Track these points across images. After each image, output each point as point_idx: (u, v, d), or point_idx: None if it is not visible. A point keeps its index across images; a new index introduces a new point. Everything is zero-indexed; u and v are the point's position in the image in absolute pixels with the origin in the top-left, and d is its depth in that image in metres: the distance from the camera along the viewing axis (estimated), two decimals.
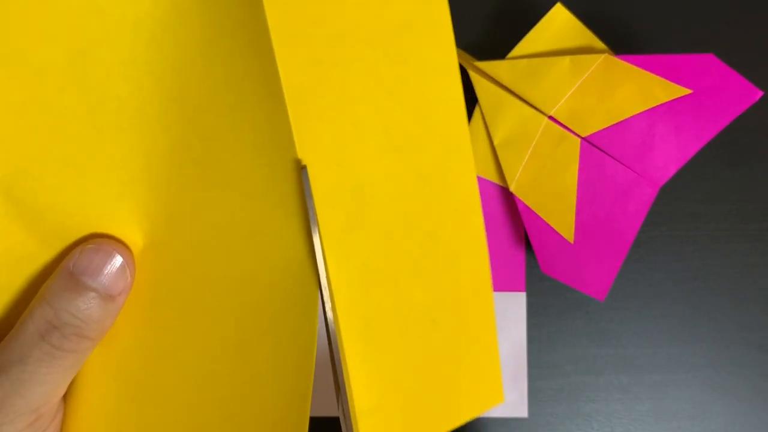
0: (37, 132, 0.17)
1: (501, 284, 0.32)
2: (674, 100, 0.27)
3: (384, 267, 0.19)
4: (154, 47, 0.16)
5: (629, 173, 0.29)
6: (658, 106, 0.28)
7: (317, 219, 0.16)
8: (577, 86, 0.29)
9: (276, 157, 0.16)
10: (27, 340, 0.17)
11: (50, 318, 0.17)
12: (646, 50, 0.33)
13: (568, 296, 0.32)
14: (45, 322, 0.17)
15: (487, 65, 0.30)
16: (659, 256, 0.32)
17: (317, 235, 0.16)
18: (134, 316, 0.19)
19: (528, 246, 0.32)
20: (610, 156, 0.29)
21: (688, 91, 0.27)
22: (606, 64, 0.28)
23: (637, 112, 0.28)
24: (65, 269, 0.17)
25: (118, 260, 0.18)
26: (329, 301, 0.17)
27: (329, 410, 0.31)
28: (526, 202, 0.30)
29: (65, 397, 0.19)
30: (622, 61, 0.27)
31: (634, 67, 0.27)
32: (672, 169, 0.28)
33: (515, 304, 0.32)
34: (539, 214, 0.30)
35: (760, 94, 0.26)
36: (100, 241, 0.18)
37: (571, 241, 0.29)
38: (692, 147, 0.28)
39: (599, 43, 0.30)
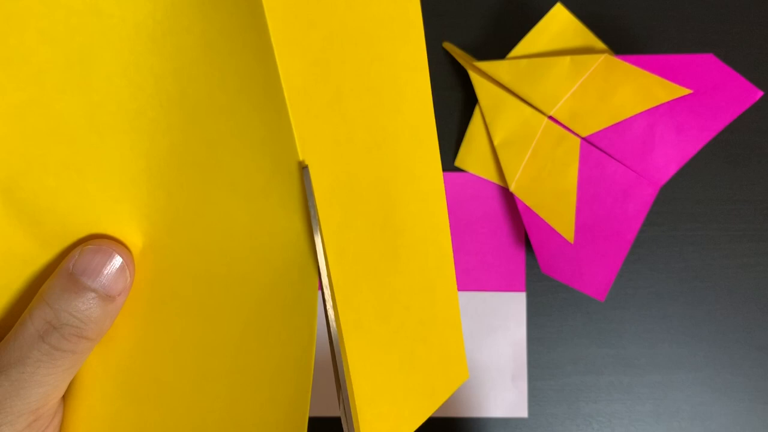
0: (37, 133, 0.17)
1: (501, 284, 0.32)
2: (674, 100, 0.27)
3: (369, 259, 0.19)
4: (155, 50, 0.16)
5: (629, 173, 0.29)
6: (658, 106, 0.28)
7: (318, 218, 0.16)
8: (578, 86, 0.29)
9: (277, 158, 0.16)
10: (26, 340, 0.17)
11: (50, 318, 0.17)
12: (647, 50, 0.33)
13: (568, 296, 0.32)
14: (44, 323, 0.17)
15: (487, 65, 0.30)
16: (659, 256, 0.32)
17: (318, 233, 0.16)
18: (133, 316, 0.19)
19: (528, 246, 0.32)
20: (610, 156, 0.29)
21: (688, 91, 0.27)
22: (606, 64, 0.28)
23: (638, 112, 0.28)
24: (65, 270, 0.17)
25: (117, 261, 0.18)
26: (330, 299, 0.17)
27: (327, 410, 0.31)
28: (526, 202, 0.30)
29: (64, 398, 0.19)
30: (623, 61, 0.27)
31: (635, 67, 0.27)
32: (672, 169, 0.28)
33: (515, 304, 0.32)
34: (539, 214, 0.30)
35: (760, 94, 0.26)
36: (99, 242, 0.18)
37: (571, 241, 0.29)
38: (692, 147, 0.28)
39: (599, 43, 0.30)
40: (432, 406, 0.22)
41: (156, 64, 0.16)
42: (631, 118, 0.28)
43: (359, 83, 0.18)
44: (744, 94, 0.26)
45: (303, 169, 0.16)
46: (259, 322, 0.18)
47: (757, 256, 0.32)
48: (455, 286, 0.23)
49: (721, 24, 0.33)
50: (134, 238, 0.18)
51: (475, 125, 0.31)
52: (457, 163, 0.32)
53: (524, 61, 0.29)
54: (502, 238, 0.32)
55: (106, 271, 0.17)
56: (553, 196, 0.29)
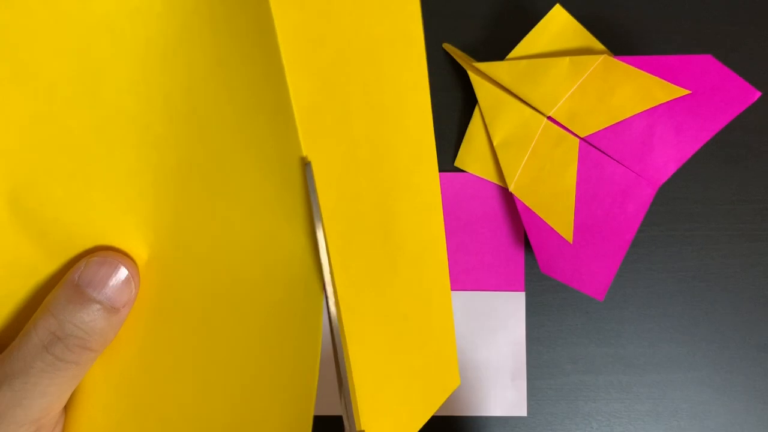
0: (46, 145, 0.17)
1: (501, 284, 0.32)
2: (673, 100, 0.27)
3: (371, 271, 0.19)
4: (165, 66, 0.16)
5: (628, 173, 0.29)
6: (657, 106, 0.28)
7: (321, 217, 0.17)
8: (577, 87, 0.29)
9: (283, 174, 0.17)
10: (30, 350, 0.17)
11: (54, 329, 0.17)
12: (645, 51, 0.33)
13: (568, 296, 0.32)
14: (49, 334, 0.17)
15: (487, 66, 0.30)
16: (658, 256, 0.32)
17: (321, 230, 0.16)
18: (137, 328, 0.19)
19: (527, 246, 0.32)
20: (609, 156, 0.29)
21: (686, 92, 0.27)
22: (605, 64, 0.28)
23: (636, 112, 0.28)
24: (70, 281, 0.17)
25: (122, 273, 0.18)
26: (332, 296, 0.17)
27: (329, 409, 0.31)
28: (526, 202, 0.30)
29: (66, 408, 0.19)
30: (621, 62, 0.27)
31: (633, 68, 0.27)
32: (671, 169, 0.28)
33: (515, 304, 0.32)
34: (538, 214, 0.30)
35: (758, 94, 0.26)
36: (105, 254, 0.18)
37: (571, 241, 0.29)
38: (691, 147, 0.28)
39: (598, 44, 0.30)
40: (428, 411, 0.23)
41: (166, 80, 0.17)
42: (629, 118, 0.28)
43: (364, 101, 0.19)
44: (742, 95, 0.26)
45: (306, 165, 0.16)
46: (263, 337, 0.18)
47: (756, 256, 0.33)
48: (450, 297, 0.24)
49: (719, 24, 0.33)
50: (140, 251, 0.18)
51: (475, 126, 0.31)
52: (457, 163, 0.32)
53: (523, 62, 0.29)
54: (501, 238, 0.32)
55: (111, 283, 0.17)
56: (553, 196, 0.30)
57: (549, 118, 0.29)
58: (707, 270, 0.32)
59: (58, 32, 0.16)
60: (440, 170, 0.32)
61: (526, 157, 0.30)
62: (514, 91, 0.30)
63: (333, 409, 0.31)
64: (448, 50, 0.33)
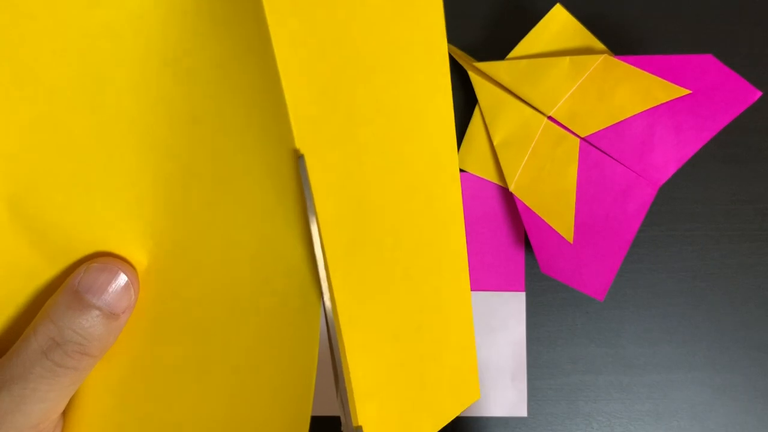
0: (47, 149, 0.17)
1: (501, 284, 0.32)
2: (673, 100, 0.27)
3: (377, 281, 0.19)
4: (166, 71, 0.16)
5: (628, 173, 0.29)
6: (657, 106, 0.28)
7: (315, 209, 0.16)
8: (577, 87, 0.29)
9: (283, 182, 0.17)
10: (29, 356, 0.17)
11: (53, 335, 0.17)
12: (646, 51, 0.33)
13: (568, 296, 0.32)
14: (48, 339, 0.17)
15: (487, 66, 0.30)
16: (659, 256, 0.32)
17: (315, 223, 0.16)
18: (136, 334, 0.19)
19: (528, 246, 0.32)
20: (609, 156, 0.29)
21: (687, 92, 0.27)
22: (605, 64, 0.28)
23: (637, 112, 0.28)
24: (70, 287, 0.17)
25: (122, 279, 0.18)
26: (327, 291, 0.17)
27: (328, 409, 0.31)
28: (526, 202, 0.30)
29: (64, 413, 0.19)
30: (622, 62, 0.27)
31: (634, 68, 0.27)
32: (671, 169, 0.28)
33: (515, 304, 0.32)
34: (539, 214, 0.30)
35: (759, 94, 0.26)
36: (105, 260, 0.18)
37: (571, 241, 0.29)
38: (691, 147, 0.28)
39: (599, 44, 0.30)
40: (440, 423, 0.22)
41: (166, 85, 0.17)
42: (630, 118, 0.28)
43: (373, 108, 0.18)
44: (743, 95, 0.26)
45: (299, 158, 0.16)
46: (260, 344, 0.18)
47: (756, 256, 0.33)
48: (470, 309, 0.23)
49: (720, 24, 0.33)
50: (139, 256, 0.18)
51: (475, 125, 0.31)
52: None
53: (524, 62, 0.29)
54: (501, 238, 0.32)
55: (110, 289, 0.18)
56: (553, 196, 0.30)
57: (549, 117, 0.29)
58: (707, 270, 0.32)
59: (59, 36, 0.16)
60: None
61: (526, 157, 0.30)
62: (515, 91, 0.30)
63: (334, 410, 0.31)
64: (448, 50, 0.32)
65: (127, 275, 0.18)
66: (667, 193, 0.32)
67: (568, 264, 0.30)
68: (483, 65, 0.30)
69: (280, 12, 0.15)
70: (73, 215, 0.18)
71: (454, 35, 0.33)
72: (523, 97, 0.30)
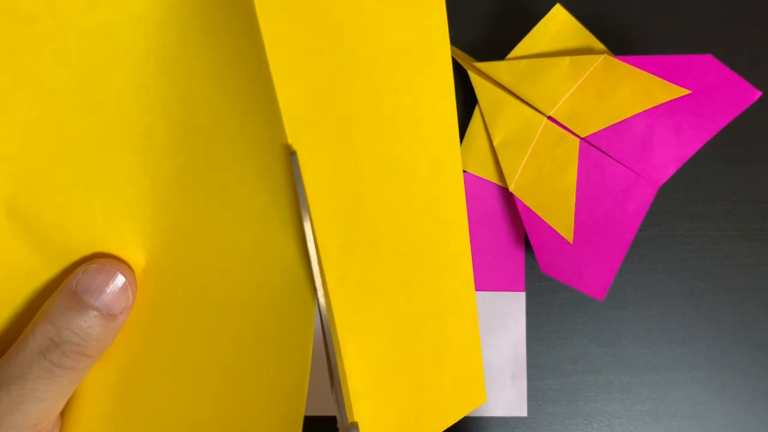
0: (46, 151, 0.17)
1: (501, 284, 0.32)
2: (673, 100, 0.27)
3: (375, 280, 0.19)
4: (164, 73, 0.17)
5: (628, 173, 0.29)
6: (657, 106, 0.28)
7: (308, 206, 0.17)
8: (577, 87, 0.29)
9: (278, 183, 0.17)
10: (28, 356, 0.17)
11: (52, 335, 0.17)
12: (646, 51, 0.33)
13: (568, 296, 0.32)
14: (46, 340, 0.17)
15: (487, 66, 0.30)
16: (659, 256, 0.32)
17: (308, 220, 0.16)
18: (134, 334, 0.19)
19: (528, 246, 0.32)
20: (609, 156, 0.29)
21: (687, 92, 0.27)
22: (605, 64, 0.28)
23: (637, 112, 0.28)
24: (68, 287, 0.17)
25: (120, 280, 0.18)
26: (321, 288, 0.17)
27: (323, 409, 0.31)
28: (526, 202, 0.30)
29: (62, 413, 0.19)
30: (622, 62, 0.27)
31: (634, 68, 0.27)
32: (671, 169, 0.28)
33: (515, 304, 0.32)
34: (539, 214, 0.30)
35: (759, 94, 0.26)
36: (103, 261, 0.18)
37: (571, 241, 0.29)
38: (691, 147, 0.28)
39: (598, 44, 0.30)
40: (442, 424, 0.22)
41: (165, 88, 0.17)
42: (630, 118, 0.28)
43: (371, 109, 0.19)
44: (743, 95, 0.26)
45: (292, 154, 0.16)
46: (256, 345, 0.18)
47: (756, 256, 0.33)
48: (476, 312, 0.23)
49: (720, 24, 0.33)
50: (137, 257, 0.18)
51: (475, 125, 0.31)
52: None
53: (524, 62, 0.29)
54: (501, 238, 0.32)
55: (108, 290, 0.18)
56: (553, 196, 0.30)
57: (549, 117, 0.29)
58: (707, 270, 0.32)
59: (59, 39, 0.16)
60: None
61: (526, 157, 0.30)
62: (514, 91, 0.30)
63: (329, 410, 0.31)
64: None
65: (124, 276, 0.18)
66: (667, 193, 0.32)
67: (568, 264, 0.30)
68: (483, 65, 0.30)
69: (271, 12, 0.15)
70: (71, 216, 0.18)
71: (454, 35, 0.33)
72: (523, 97, 0.30)
